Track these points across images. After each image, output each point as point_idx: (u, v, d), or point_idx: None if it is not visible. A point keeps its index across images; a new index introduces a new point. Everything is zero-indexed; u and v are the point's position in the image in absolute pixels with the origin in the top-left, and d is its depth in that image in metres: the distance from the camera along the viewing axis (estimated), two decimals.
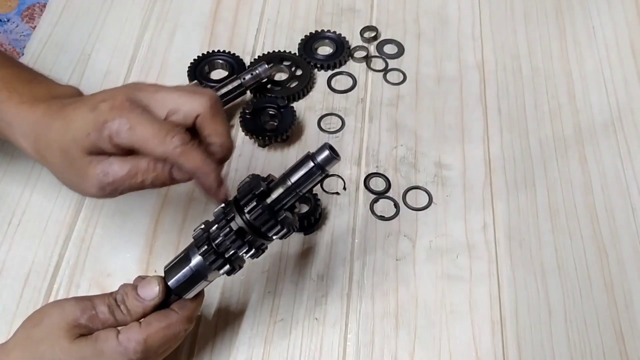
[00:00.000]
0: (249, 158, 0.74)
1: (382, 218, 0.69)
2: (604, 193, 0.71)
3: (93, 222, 0.68)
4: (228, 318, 0.62)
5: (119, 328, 0.51)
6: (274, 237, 0.52)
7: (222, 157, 0.53)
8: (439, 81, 0.81)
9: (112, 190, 0.51)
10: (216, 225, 0.52)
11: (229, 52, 0.82)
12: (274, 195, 0.51)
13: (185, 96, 0.52)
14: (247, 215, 0.51)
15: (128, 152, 0.51)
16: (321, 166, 0.50)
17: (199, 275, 0.52)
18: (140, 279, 0.54)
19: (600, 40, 0.85)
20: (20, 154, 0.72)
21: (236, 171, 0.73)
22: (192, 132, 0.52)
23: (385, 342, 0.61)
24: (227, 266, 0.52)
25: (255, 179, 0.52)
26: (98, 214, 0.69)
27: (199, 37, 0.85)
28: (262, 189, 0.51)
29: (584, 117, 0.78)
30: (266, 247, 0.54)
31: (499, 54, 0.84)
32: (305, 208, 0.69)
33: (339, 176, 0.72)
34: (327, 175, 0.51)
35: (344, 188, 0.71)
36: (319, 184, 0.71)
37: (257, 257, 0.53)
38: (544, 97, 0.79)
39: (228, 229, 0.51)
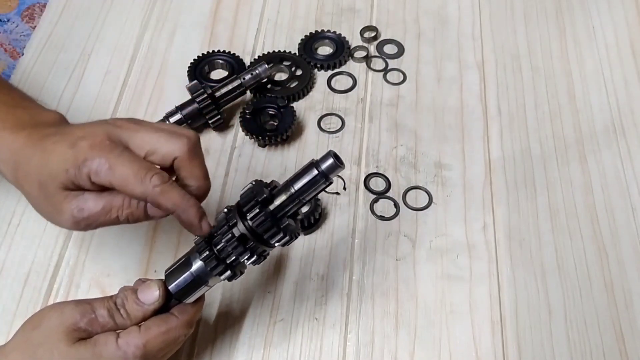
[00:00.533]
0: (249, 158, 0.74)
1: (382, 218, 0.69)
2: (604, 193, 0.71)
3: None
4: (228, 318, 0.62)
5: (119, 332, 0.50)
6: (276, 244, 0.52)
7: (199, 197, 0.53)
8: (439, 81, 0.81)
9: (86, 225, 0.51)
10: (218, 231, 0.52)
11: (229, 52, 0.82)
12: (277, 202, 0.51)
13: (164, 137, 0.52)
14: (249, 222, 0.50)
15: (104, 187, 0.51)
16: (325, 174, 0.50)
17: (199, 281, 0.52)
18: (141, 282, 0.53)
19: (600, 40, 0.85)
20: None
21: (236, 171, 0.73)
22: (170, 170, 0.52)
23: (385, 342, 0.61)
24: (228, 272, 0.52)
25: (258, 185, 0.52)
26: None
27: (199, 37, 0.85)
28: (265, 195, 0.50)
29: (584, 117, 0.78)
30: (268, 254, 0.54)
31: (499, 54, 0.84)
32: (305, 208, 0.69)
33: (339, 176, 0.72)
34: (331, 182, 0.50)
35: (344, 188, 0.71)
36: None
37: (258, 263, 0.53)
38: (544, 97, 0.79)
39: (230, 235, 0.51)
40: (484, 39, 0.85)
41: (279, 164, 0.73)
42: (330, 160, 0.49)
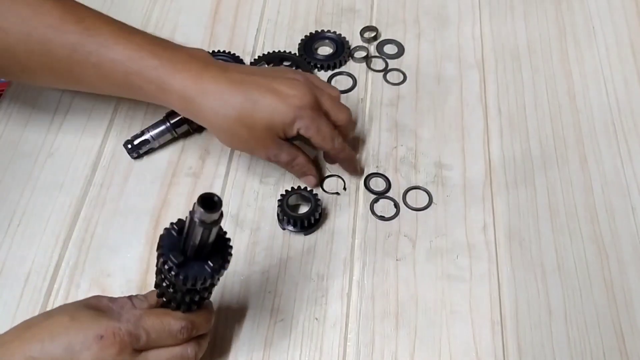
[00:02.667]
0: (249, 158, 0.74)
1: (382, 218, 0.69)
2: (604, 193, 0.71)
3: (93, 222, 0.68)
4: (228, 318, 0.62)
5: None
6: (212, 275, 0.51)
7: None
8: (439, 81, 0.81)
9: (272, 162, 0.69)
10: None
11: (229, 52, 0.82)
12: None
13: (338, 107, 0.69)
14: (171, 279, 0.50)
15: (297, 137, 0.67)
16: (209, 221, 0.46)
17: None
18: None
19: (600, 40, 0.85)
20: (20, 154, 0.73)
21: (236, 171, 0.73)
22: None
23: (386, 342, 0.61)
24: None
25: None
26: (98, 214, 0.69)
27: (199, 37, 0.85)
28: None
29: (584, 117, 0.78)
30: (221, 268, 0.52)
31: (499, 54, 0.84)
32: (305, 208, 0.69)
33: (339, 176, 0.72)
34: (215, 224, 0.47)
35: (344, 188, 0.71)
36: (320, 186, 0.71)
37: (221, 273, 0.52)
38: (544, 97, 0.79)
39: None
40: (484, 39, 0.85)
41: None
42: (201, 211, 0.45)
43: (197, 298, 0.53)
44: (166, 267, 0.49)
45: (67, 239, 0.67)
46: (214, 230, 0.48)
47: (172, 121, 0.73)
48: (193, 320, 0.54)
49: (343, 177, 0.72)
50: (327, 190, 0.71)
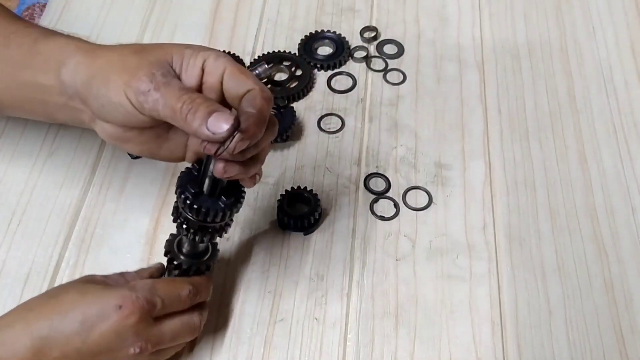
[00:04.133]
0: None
1: (382, 218, 0.69)
2: (604, 193, 0.71)
3: (93, 222, 0.68)
4: (228, 318, 0.62)
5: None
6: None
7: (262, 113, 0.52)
8: (439, 81, 0.81)
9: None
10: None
11: (229, 52, 0.82)
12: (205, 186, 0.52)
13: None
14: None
15: None
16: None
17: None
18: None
19: (600, 40, 0.85)
20: (21, 154, 0.73)
21: None
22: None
23: (385, 342, 0.61)
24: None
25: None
26: (98, 214, 0.69)
27: (199, 37, 0.85)
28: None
29: (584, 117, 0.78)
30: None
31: (499, 54, 0.84)
32: (305, 208, 0.69)
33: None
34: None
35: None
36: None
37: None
38: (544, 97, 0.79)
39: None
40: (484, 39, 0.85)
41: (279, 164, 0.73)
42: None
43: (207, 239, 0.54)
44: (182, 197, 0.51)
45: (67, 239, 0.67)
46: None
47: None
48: (196, 285, 0.55)
49: (343, 177, 0.72)
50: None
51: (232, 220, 0.55)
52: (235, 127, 0.46)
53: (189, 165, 0.54)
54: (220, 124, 0.46)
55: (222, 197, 0.52)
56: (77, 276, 0.64)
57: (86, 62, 0.52)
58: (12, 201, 0.69)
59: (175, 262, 0.57)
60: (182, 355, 0.60)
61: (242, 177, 0.51)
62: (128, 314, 0.49)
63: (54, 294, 0.52)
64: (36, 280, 0.64)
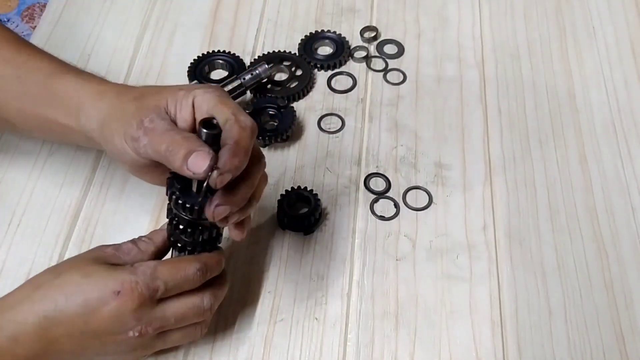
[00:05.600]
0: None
1: (382, 218, 0.69)
2: (604, 193, 0.71)
3: (93, 222, 0.68)
4: (228, 318, 0.62)
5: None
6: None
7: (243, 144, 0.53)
8: (439, 81, 0.81)
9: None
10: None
11: (229, 52, 0.82)
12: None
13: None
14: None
15: None
16: (209, 143, 0.49)
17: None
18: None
19: (600, 40, 0.85)
20: (21, 154, 0.73)
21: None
22: None
23: (385, 342, 0.61)
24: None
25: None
26: (98, 214, 0.69)
27: (199, 37, 0.85)
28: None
29: (584, 117, 0.78)
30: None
31: (499, 54, 0.84)
32: (305, 208, 0.69)
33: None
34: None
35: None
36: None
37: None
38: (544, 97, 0.79)
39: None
40: (484, 39, 0.85)
41: (279, 164, 0.73)
42: (204, 132, 0.49)
43: (206, 235, 0.54)
44: (172, 195, 0.52)
45: (67, 239, 0.67)
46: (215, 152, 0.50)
47: None
48: (205, 262, 0.54)
49: (343, 176, 0.72)
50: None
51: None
52: (212, 165, 0.48)
53: None
54: (199, 163, 0.48)
55: (209, 194, 0.52)
56: None
57: (97, 107, 0.55)
58: (12, 201, 0.69)
59: (179, 245, 0.55)
60: (183, 355, 0.60)
61: (235, 218, 0.52)
62: (127, 300, 0.50)
63: (60, 272, 0.52)
64: None
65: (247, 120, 0.51)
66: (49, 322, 0.50)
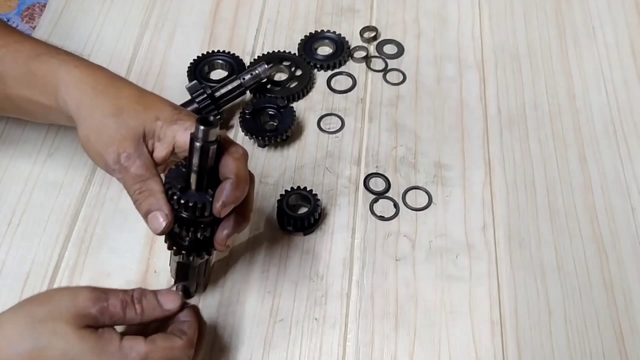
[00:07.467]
0: (249, 158, 0.73)
1: (382, 218, 0.69)
2: (604, 193, 0.71)
3: (93, 222, 0.68)
4: (228, 318, 0.62)
5: (124, 336, 0.50)
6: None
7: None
8: (439, 81, 0.81)
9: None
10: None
11: (229, 52, 0.82)
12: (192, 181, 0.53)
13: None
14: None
15: None
16: (206, 140, 0.50)
17: (184, 266, 0.58)
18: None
19: (600, 40, 0.85)
20: (21, 154, 0.73)
21: None
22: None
23: (385, 342, 0.61)
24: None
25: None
26: (98, 213, 0.69)
27: (199, 37, 0.85)
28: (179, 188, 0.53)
29: (584, 117, 0.78)
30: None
31: (499, 54, 0.84)
32: (304, 208, 0.69)
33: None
34: (214, 141, 0.51)
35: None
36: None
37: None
38: (544, 97, 0.79)
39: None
40: (484, 39, 0.85)
41: (279, 164, 0.73)
42: (201, 129, 0.50)
43: (200, 235, 0.54)
44: (170, 192, 0.52)
45: (67, 239, 0.67)
46: (213, 151, 0.51)
47: None
48: (193, 340, 0.53)
49: (343, 176, 0.72)
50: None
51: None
52: (169, 224, 0.53)
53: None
54: (155, 225, 0.53)
55: (210, 190, 0.53)
56: (76, 276, 0.65)
57: (78, 89, 0.57)
58: (12, 201, 0.69)
59: (174, 248, 0.56)
60: None
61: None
62: None
63: (40, 345, 0.48)
64: (36, 280, 0.64)
65: (238, 149, 0.54)
66: None
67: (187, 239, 0.55)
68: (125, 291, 0.52)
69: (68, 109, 0.57)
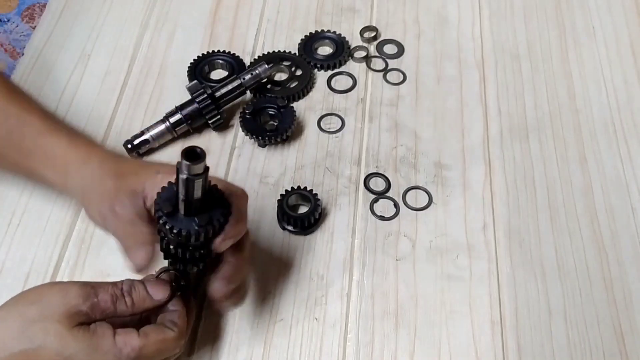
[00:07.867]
0: (249, 158, 0.74)
1: (382, 218, 0.69)
2: (604, 193, 0.71)
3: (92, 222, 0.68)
4: (228, 318, 0.63)
5: (117, 330, 0.50)
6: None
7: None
8: (439, 81, 0.81)
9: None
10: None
11: (229, 52, 0.82)
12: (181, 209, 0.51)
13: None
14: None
15: None
16: (190, 173, 0.47)
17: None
18: (151, 276, 0.55)
19: (600, 40, 0.85)
20: None
21: (236, 171, 0.73)
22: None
23: (385, 342, 0.61)
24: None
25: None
26: None
27: (199, 37, 0.85)
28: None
29: (584, 117, 0.78)
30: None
31: (499, 54, 0.84)
32: (305, 208, 0.69)
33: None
34: (201, 173, 0.48)
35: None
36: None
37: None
38: (544, 97, 0.79)
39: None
40: (484, 39, 0.85)
41: (279, 164, 0.73)
42: (184, 163, 0.46)
43: (197, 254, 0.53)
44: (157, 215, 0.51)
45: (67, 239, 0.67)
46: (198, 184, 0.48)
47: (171, 121, 0.73)
48: (184, 331, 0.53)
49: (343, 176, 0.72)
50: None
51: (215, 236, 0.52)
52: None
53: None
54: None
55: (196, 218, 0.50)
56: (76, 276, 0.65)
57: (81, 174, 0.58)
58: (12, 201, 0.69)
59: (170, 261, 0.55)
60: (183, 356, 0.60)
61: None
62: None
63: (34, 345, 0.48)
64: (36, 280, 0.64)
65: (238, 188, 0.55)
66: None
67: (179, 257, 0.53)
68: (114, 284, 0.52)
69: (72, 192, 0.59)
